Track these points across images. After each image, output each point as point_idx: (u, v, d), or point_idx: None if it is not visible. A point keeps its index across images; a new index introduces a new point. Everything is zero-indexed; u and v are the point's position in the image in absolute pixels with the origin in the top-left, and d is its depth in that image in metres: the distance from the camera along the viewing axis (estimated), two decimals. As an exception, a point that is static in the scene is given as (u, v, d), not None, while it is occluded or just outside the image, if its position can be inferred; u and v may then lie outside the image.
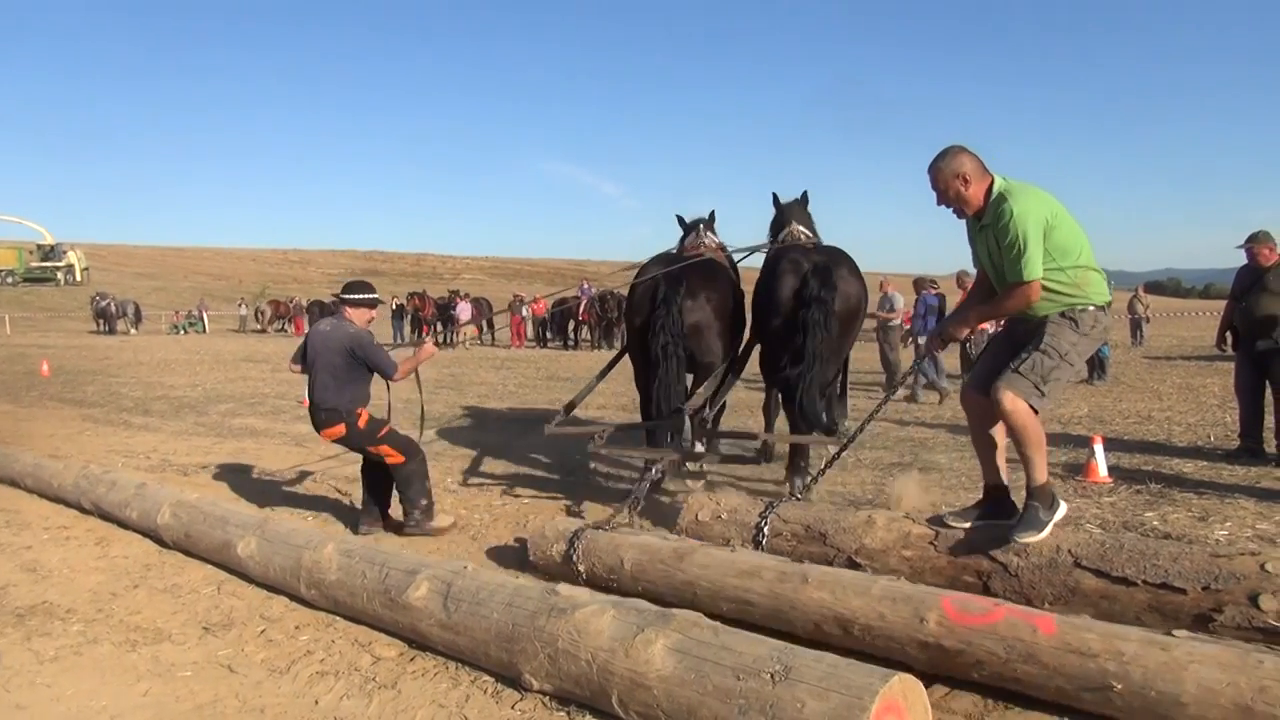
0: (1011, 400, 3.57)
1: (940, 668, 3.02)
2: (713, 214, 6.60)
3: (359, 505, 5.57)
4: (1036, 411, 3.62)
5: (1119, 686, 2.57)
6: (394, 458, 5.14)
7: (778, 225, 6.32)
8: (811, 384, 5.30)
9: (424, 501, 5.21)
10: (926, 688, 2.68)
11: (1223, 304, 7.35)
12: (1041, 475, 3.65)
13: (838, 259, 5.69)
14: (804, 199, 6.43)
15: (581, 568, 4.08)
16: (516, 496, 6.16)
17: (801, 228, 6.12)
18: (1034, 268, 3.60)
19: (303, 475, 6.97)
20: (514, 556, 4.78)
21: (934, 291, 13.67)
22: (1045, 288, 3.66)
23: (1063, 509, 3.65)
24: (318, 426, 5.22)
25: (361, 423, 5.11)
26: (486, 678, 3.16)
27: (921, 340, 11.76)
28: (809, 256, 5.61)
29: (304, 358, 5.27)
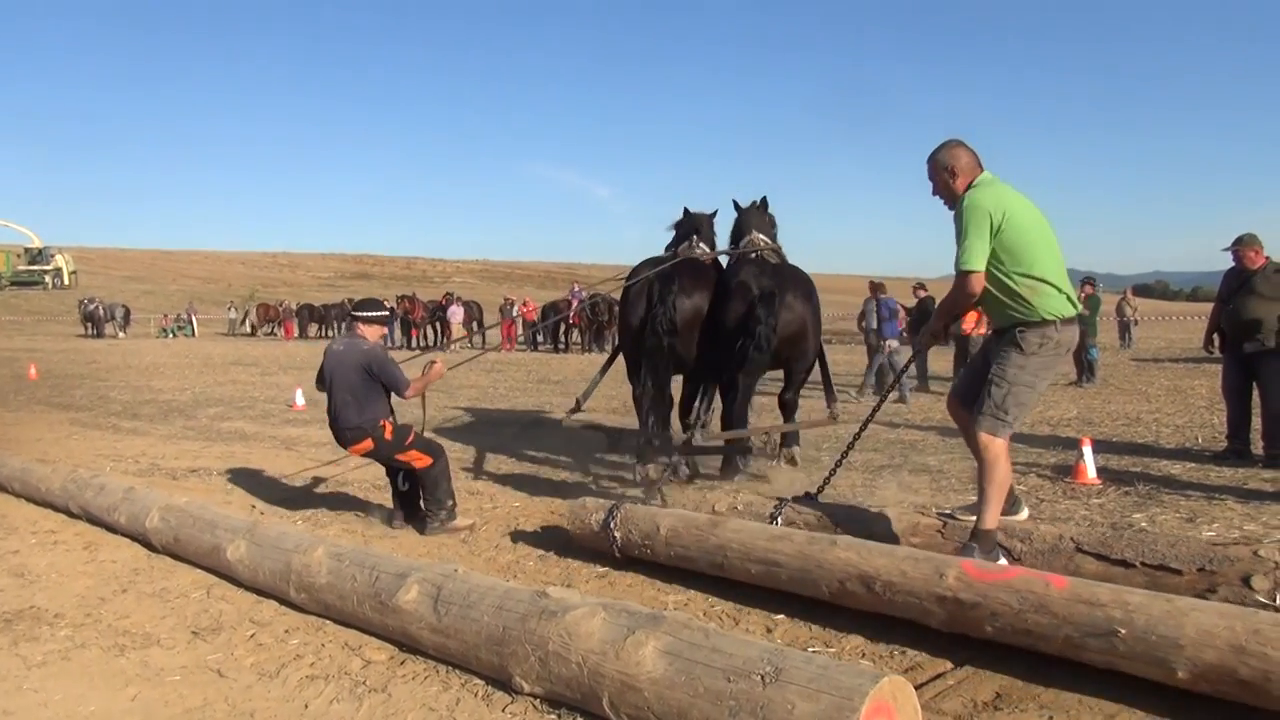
0: (987, 439, 3.68)
1: (957, 624, 3.16)
2: (715, 213, 6.87)
3: (350, 506, 5.54)
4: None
5: (1123, 632, 2.73)
6: (421, 461, 5.28)
7: (737, 232, 6.58)
8: (741, 397, 5.88)
9: (450, 502, 5.36)
10: (918, 687, 2.69)
11: (1210, 306, 7.40)
12: (991, 520, 3.66)
13: (783, 284, 5.97)
14: (763, 203, 6.65)
15: (618, 534, 4.36)
16: (508, 499, 6.16)
17: (761, 235, 6.38)
18: (971, 258, 3.56)
19: (292, 478, 6.95)
20: (505, 559, 4.78)
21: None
22: (990, 289, 3.64)
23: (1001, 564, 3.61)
24: (344, 444, 5.35)
25: (388, 434, 5.24)
26: (477, 681, 3.15)
27: (888, 341, 12.18)
28: (759, 280, 5.88)
29: (321, 379, 5.38)
